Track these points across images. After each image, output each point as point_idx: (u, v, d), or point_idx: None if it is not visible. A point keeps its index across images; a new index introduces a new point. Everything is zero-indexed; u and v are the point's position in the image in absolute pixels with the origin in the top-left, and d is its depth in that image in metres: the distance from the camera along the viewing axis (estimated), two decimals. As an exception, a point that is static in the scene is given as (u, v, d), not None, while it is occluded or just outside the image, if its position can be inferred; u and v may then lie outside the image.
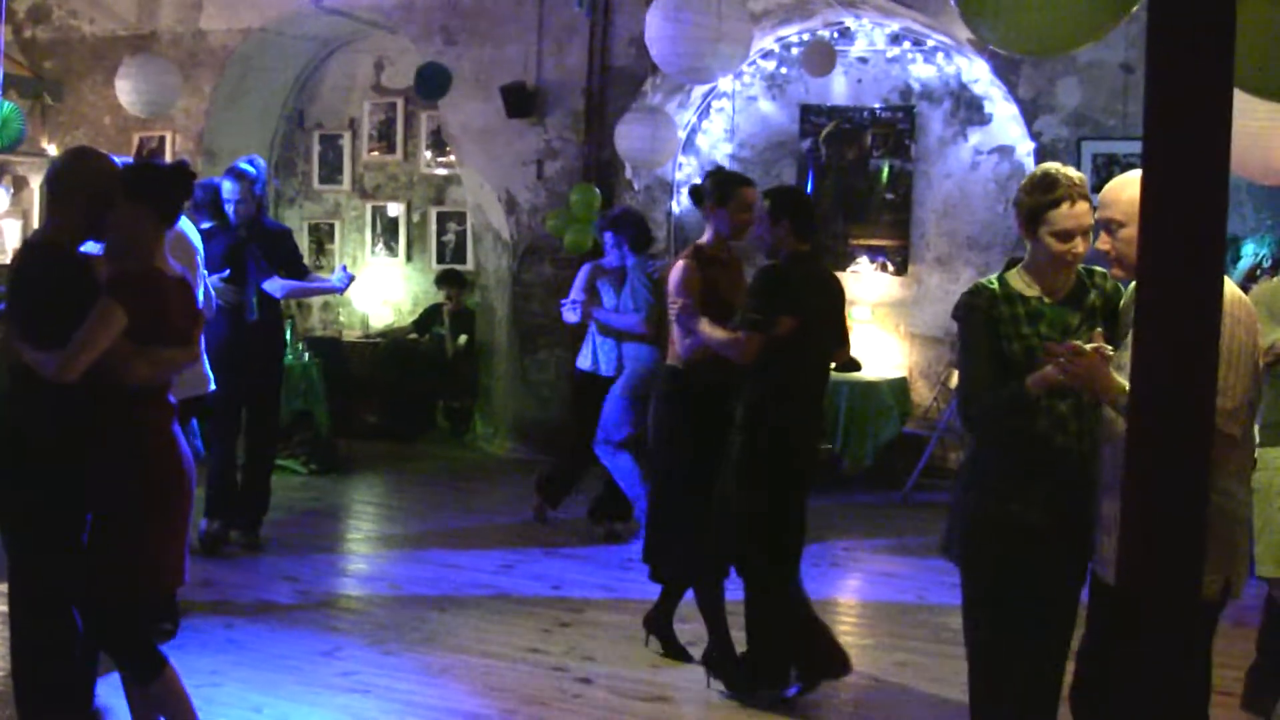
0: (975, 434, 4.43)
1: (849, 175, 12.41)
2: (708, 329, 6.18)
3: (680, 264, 6.50)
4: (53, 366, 4.65)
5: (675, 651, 6.81)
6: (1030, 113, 11.07)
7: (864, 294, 12.19)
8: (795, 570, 6.24)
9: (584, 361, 9.52)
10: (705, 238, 6.65)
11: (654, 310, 8.93)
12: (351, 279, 8.93)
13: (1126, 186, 4.13)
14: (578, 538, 9.35)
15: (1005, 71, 11.07)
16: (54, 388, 4.70)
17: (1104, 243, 4.22)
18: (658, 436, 6.71)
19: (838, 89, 12.50)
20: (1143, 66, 9.00)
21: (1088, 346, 3.95)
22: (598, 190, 11.20)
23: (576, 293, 9.34)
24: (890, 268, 12.40)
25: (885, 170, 12.39)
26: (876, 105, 12.42)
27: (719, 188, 6.57)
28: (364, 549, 9.33)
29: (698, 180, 7.95)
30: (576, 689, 6.27)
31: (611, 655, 6.81)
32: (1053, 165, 4.43)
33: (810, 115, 12.61)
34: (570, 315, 9.37)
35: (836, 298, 6.32)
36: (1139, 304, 2.37)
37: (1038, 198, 4.30)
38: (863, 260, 12.41)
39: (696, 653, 6.67)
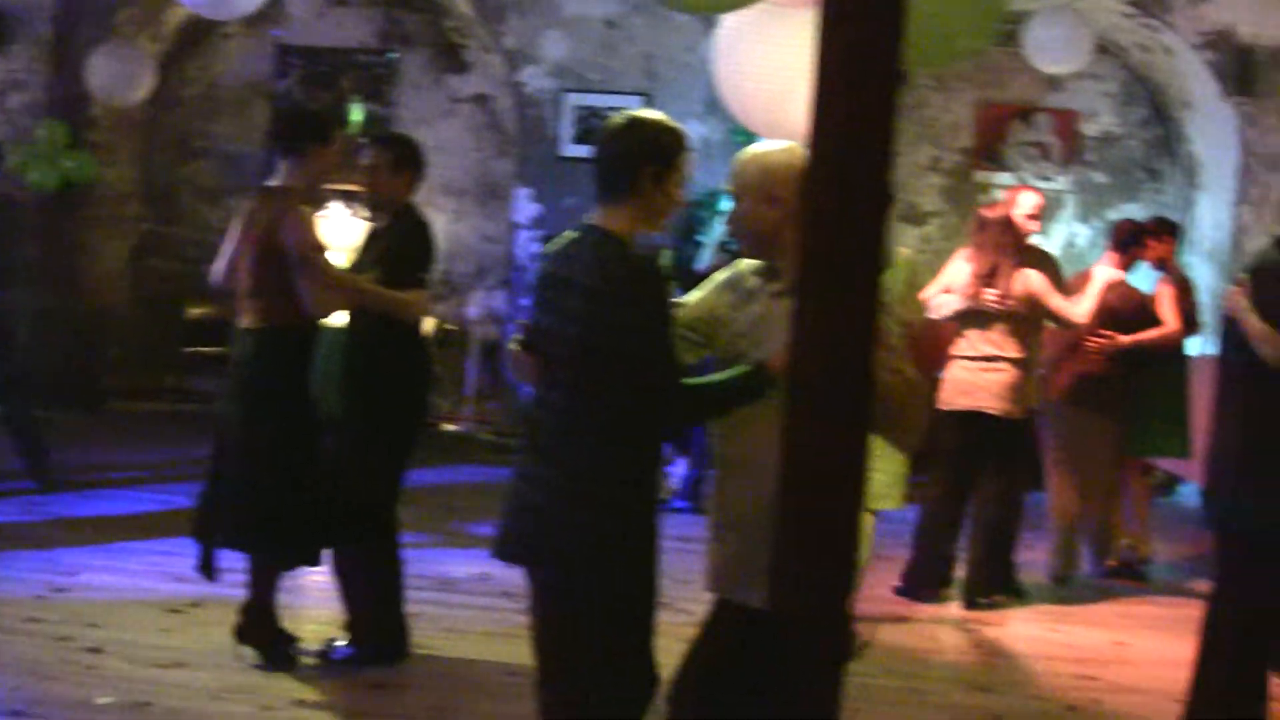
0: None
1: (324, 119, 12.33)
2: (372, 286, 5.87)
3: (297, 210, 5.71)
4: None
5: (281, 656, 6.05)
6: (514, 63, 11.26)
7: (337, 238, 12.11)
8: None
9: None
10: (290, 180, 5.84)
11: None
12: None
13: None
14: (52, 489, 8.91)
15: (490, 20, 11.22)
16: None
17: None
18: (263, 402, 5.80)
19: (317, 30, 12.36)
20: (625, 23, 9.33)
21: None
22: (67, 126, 10.65)
23: None
24: (364, 213, 12.40)
25: (356, 114, 12.35)
26: (354, 48, 12.37)
27: (320, 127, 5.95)
28: None
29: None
30: (88, 660, 5.96)
31: (117, 621, 6.51)
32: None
33: (287, 55, 12.41)
34: None
35: None
36: (801, 289, 2.37)
37: (676, 141, 3.76)
38: (336, 205, 12.33)
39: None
